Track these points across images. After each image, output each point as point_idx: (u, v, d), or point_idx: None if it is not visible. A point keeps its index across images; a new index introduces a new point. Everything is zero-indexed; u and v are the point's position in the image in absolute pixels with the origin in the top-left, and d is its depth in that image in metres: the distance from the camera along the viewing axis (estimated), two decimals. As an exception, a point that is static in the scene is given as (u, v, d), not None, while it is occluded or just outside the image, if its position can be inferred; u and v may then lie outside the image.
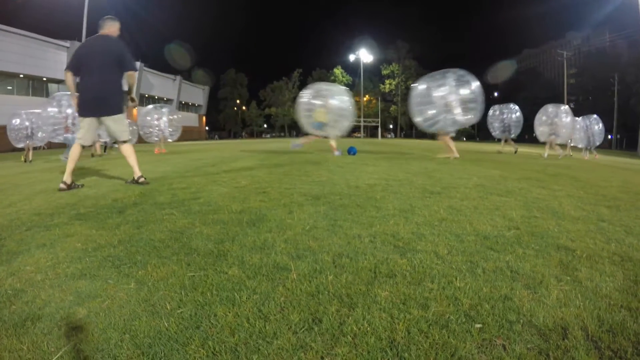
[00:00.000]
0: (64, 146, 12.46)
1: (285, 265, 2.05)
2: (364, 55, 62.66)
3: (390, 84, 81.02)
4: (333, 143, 12.06)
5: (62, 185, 4.76)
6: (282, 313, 1.56)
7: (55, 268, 2.07)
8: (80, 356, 1.31)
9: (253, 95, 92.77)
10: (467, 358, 1.28)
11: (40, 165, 9.72)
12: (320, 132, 12.21)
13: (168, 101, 54.75)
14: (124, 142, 5.30)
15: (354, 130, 58.88)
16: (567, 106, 15.35)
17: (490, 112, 18.33)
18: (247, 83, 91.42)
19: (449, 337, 1.38)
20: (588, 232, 2.83)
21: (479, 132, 69.27)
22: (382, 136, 68.85)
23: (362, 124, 67.09)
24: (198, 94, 70.56)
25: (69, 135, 11.69)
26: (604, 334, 1.42)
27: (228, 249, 2.32)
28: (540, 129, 15.54)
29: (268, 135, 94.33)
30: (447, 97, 10.82)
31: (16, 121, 13.27)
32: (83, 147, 5.16)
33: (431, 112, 11.19)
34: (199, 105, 71.08)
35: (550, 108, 15.33)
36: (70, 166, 4.96)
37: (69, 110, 11.71)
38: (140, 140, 18.45)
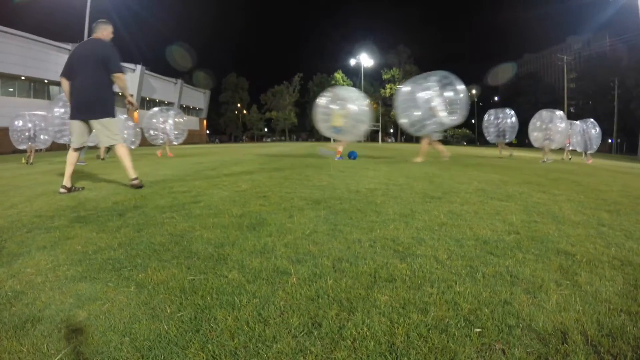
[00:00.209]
0: (66, 149, 12.41)
1: (285, 270, 2.06)
2: (365, 59, 62.70)
3: (391, 88, 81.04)
4: (340, 148, 12.08)
5: (62, 190, 4.77)
6: (282, 317, 1.56)
7: (55, 270, 2.07)
8: (80, 359, 1.31)
9: (254, 99, 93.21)
10: (467, 362, 1.29)
11: (41, 167, 9.73)
12: (339, 136, 12.23)
13: (169, 104, 54.77)
14: (116, 144, 5.26)
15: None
16: (561, 112, 15.25)
17: (486, 116, 18.26)
18: (248, 87, 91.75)
19: (448, 342, 1.38)
20: (588, 236, 2.83)
21: (479, 136, 69.28)
22: (383, 140, 68.92)
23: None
24: (199, 98, 70.67)
25: None
26: (604, 339, 1.42)
27: (228, 253, 2.32)
28: (535, 135, 15.48)
29: (269, 139, 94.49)
30: (431, 100, 10.90)
31: (19, 122, 13.12)
32: (77, 149, 5.16)
33: (417, 114, 11.25)
34: (199, 109, 71.19)
35: (544, 113, 15.28)
36: (68, 170, 4.97)
37: None
38: (144, 142, 18.40)
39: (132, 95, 5.44)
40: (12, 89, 34.87)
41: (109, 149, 14.54)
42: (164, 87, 57.26)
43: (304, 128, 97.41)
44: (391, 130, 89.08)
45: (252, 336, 1.42)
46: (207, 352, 1.33)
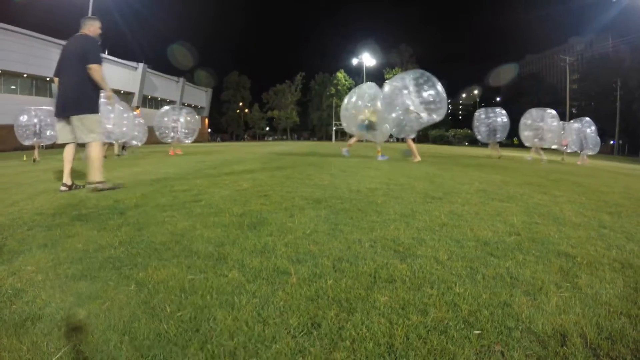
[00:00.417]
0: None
1: (285, 269, 2.06)
2: (367, 59, 62.66)
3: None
4: (379, 147, 12.19)
5: (62, 187, 4.79)
6: (282, 317, 1.56)
7: (56, 268, 2.08)
8: (79, 357, 1.31)
9: (256, 98, 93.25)
10: (466, 364, 1.29)
11: (45, 165, 9.75)
12: (366, 134, 12.15)
13: (171, 102, 54.81)
14: (91, 142, 5.02)
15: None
16: (553, 111, 15.14)
17: (476, 115, 18.01)
18: (249, 86, 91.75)
19: (447, 343, 1.38)
20: (589, 238, 2.83)
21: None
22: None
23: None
24: (201, 96, 70.68)
25: None
26: (603, 341, 1.42)
27: (228, 252, 2.33)
28: (525, 134, 15.39)
29: (270, 138, 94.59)
30: (408, 103, 10.80)
31: (24, 118, 12.73)
32: (81, 144, 5.13)
33: (394, 115, 11.15)
34: (201, 107, 71.14)
35: (535, 112, 15.20)
36: (67, 167, 4.98)
37: None
38: (152, 140, 18.28)
39: (115, 91, 5.30)
40: (14, 87, 34.88)
41: (124, 146, 14.50)
42: (166, 85, 57.28)
43: (306, 127, 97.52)
44: (393, 130, 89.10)
45: (251, 336, 1.42)
46: (206, 351, 1.33)
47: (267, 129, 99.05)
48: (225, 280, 1.91)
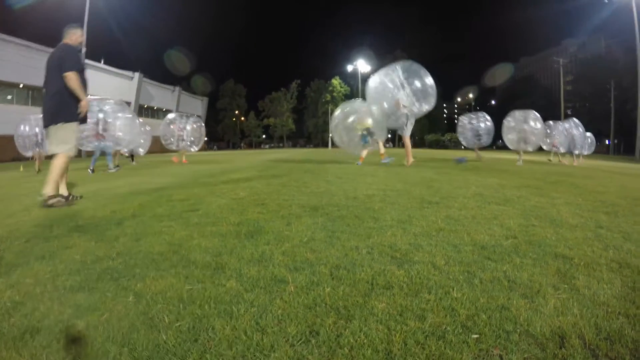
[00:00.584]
0: (81, 155, 12.13)
1: (283, 278, 2.06)
2: (362, 65, 62.91)
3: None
4: (382, 150, 12.37)
5: (60, 199, 4.77)
6: (280, 326, 1.56)
7: (54, 280, 2.07)
8: (78, 370, 1.31)
9: (252, 106, 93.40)
10: (464, 369, 1.29)
11: (42, 176, 9.72)
12: (371, 141, 12.28)
13: (167, 112, 54.86)
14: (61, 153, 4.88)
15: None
16: (535, 112, 15.04)
17: (460, 121, 18.17)
18: (245, 94, 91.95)
19: (445, 348, 1.38)
20: (586, 239, 2.84)
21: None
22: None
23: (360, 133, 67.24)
24: (197, 105, 70.76)
25: (101, 143, 10.82)
26: (602, 342, 1.43)
27: (226, 262, 2.33)
28: (509, 137, 15.32)
29: (267, 146, 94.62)
30: (398, 96, 10.86)
31: (25, 127, 12.40)
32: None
33: (386, 106, 11.17)
34: (197, 116, 71.21)
35: (517, 113, 15.19)
36: (58, 178, 4.91)
37: (101, 115, 10.84)
38: (158, 148, 18.08)
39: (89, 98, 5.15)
40: (10, 97, 34.82)
41: (132, 156, 14.42)
42: (162, 95, 57.36)
43: (302, 134, 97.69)
44: (389, 135, 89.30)
45: (249, 345, 1.42)
46: (205, 361, 1.33)
47: (264, 136, 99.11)
48: (223, 290, 1.91)
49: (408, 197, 4.69)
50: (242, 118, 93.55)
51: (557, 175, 8.54)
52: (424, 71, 10.91)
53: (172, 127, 16.13)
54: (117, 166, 11.14)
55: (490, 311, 1.66)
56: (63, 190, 4.87)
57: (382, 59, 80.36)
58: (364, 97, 12.25)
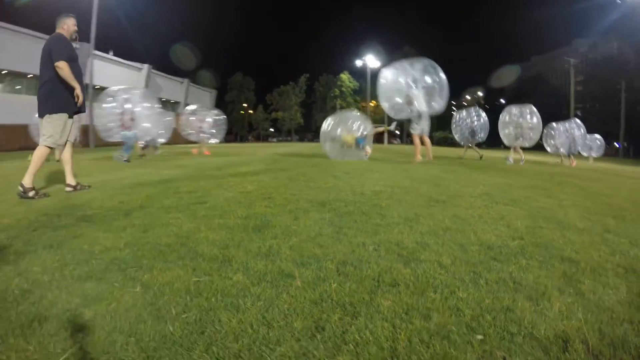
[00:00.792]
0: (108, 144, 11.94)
1: (290, 272, 2.07)
2: (371, 60, 62.59)
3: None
4: (368, 148, 12.37)
5: (67, 188, 4.82)
6: (286, 320, 1.57)
7: (62, 269, 2.10)
8: (86, 358, 1.33)
9: (260, 99, 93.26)
10: (468, 369, 1.29)
11: (48, 166, 9.77)
12: (366, 143, 12.32)
13: (175, 104, 55.00)
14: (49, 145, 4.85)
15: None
16: (532, 106, 14.82)
17: (455, 117, 17.92)
18: (254, 87, 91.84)
19: (450, 348, 1.39)
20: (593, 243, 2.83)
21: (487, 139, 69.01)
22: (389, 142, 68.80)
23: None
24: (205, 97, 70.73)
25: (127, 133, 10.87)
26: (605, 348, 1.43)
27: (233, 255, 2.34)
28: (505, 132, 15.10)
29: (274, 140, 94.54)
30: (412, 88, 10.90)
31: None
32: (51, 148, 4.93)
33: (398, 100, 11.21)
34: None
35: (514, 109, 15.02)
36: (67, 167, 4.95)
37: (128, 106, 10.92)
38: (177, 140, 18.05)
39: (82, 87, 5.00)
40: (19, 87, 35.02)
41: (156, 146, 14.42)
42: (171, 86, 57.40)
43: (310, 128, 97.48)
44: (397, 132, 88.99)
45: (256, 339, 1.43)
46: (211, 353, 1.34)
47: (271, 130, 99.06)
48: (230, 283, 1.92)
49: (415, 195, 4.68)
50: (250, 111, 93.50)
51: (564, 177, 8.48)
52: (439, 70, 10.92)
53: (192, 118, 16.15)
54: (127, 160, 11.14)
55: (495, 312, 1.66)
56: (70, 180, 4.90)
57: (391, 55, 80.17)
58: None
